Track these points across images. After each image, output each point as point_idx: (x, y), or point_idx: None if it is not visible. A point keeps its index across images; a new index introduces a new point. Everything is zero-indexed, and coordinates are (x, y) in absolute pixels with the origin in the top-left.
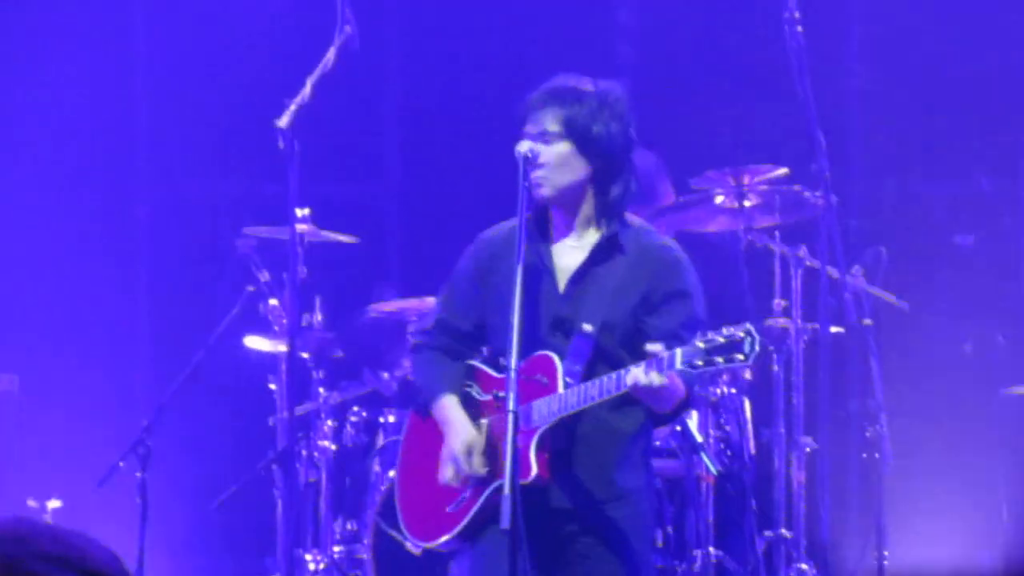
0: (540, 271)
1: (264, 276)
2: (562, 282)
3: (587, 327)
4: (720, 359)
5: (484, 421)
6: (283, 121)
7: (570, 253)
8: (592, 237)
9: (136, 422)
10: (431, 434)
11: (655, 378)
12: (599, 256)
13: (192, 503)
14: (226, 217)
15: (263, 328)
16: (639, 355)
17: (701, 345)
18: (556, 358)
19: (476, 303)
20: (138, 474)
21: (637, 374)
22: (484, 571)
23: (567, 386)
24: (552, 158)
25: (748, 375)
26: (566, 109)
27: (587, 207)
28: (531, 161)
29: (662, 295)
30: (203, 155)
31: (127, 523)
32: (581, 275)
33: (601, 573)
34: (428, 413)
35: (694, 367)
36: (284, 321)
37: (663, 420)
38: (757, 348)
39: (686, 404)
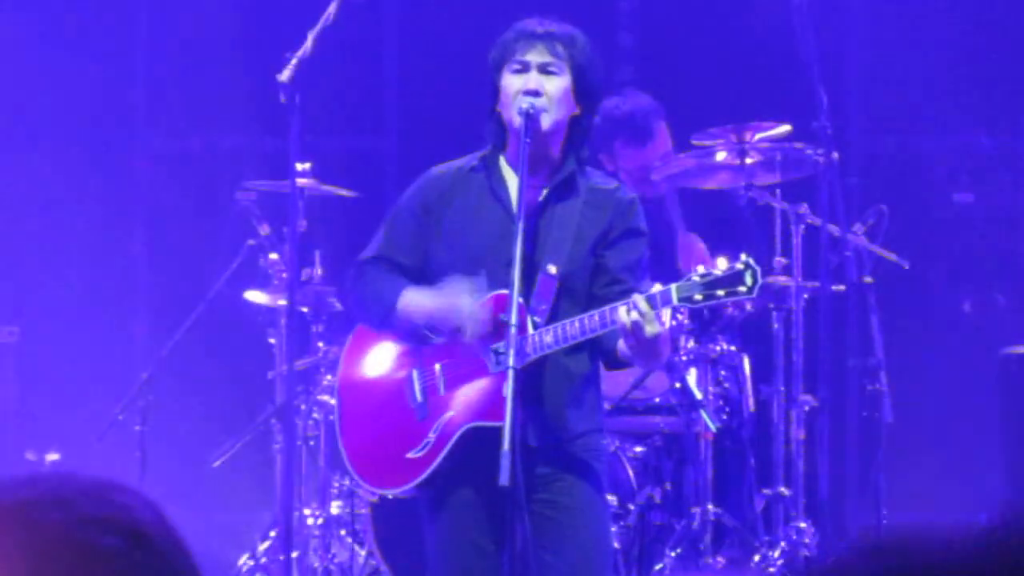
0: (496, 207)
1: (264, 230)
2: (520, 220)
3: (552, 268)
4: (721, 292)
5: (438, 365)
6: (284, 75)
7: (529, 188)
8: (550, 175)
9: (136, 375)
10: (377, 364)
11: (645, 314)
12: (558, 195)
13: (191, 457)
14: (226, 171)
15: (263, 282)
16: (601, 296)
17: (697, 279)
18: (521, 299)
19: (420, 240)
20: (137, 427)
21: (623, 314)
22: (462, 526)
23: (535, 326)
24: (556, 91)
25: (750, 307)
26: (570, 47)
27: (556, 147)
28: (533, 116)
29: (620, 232)
30: (203, 109)
31: (126, 476)
32: (541, 211)
33: (572, 514)
34: (383, 323)
35: (693, 302)
36: (284, 275)
37: (615, 364)
38: (759, 278)
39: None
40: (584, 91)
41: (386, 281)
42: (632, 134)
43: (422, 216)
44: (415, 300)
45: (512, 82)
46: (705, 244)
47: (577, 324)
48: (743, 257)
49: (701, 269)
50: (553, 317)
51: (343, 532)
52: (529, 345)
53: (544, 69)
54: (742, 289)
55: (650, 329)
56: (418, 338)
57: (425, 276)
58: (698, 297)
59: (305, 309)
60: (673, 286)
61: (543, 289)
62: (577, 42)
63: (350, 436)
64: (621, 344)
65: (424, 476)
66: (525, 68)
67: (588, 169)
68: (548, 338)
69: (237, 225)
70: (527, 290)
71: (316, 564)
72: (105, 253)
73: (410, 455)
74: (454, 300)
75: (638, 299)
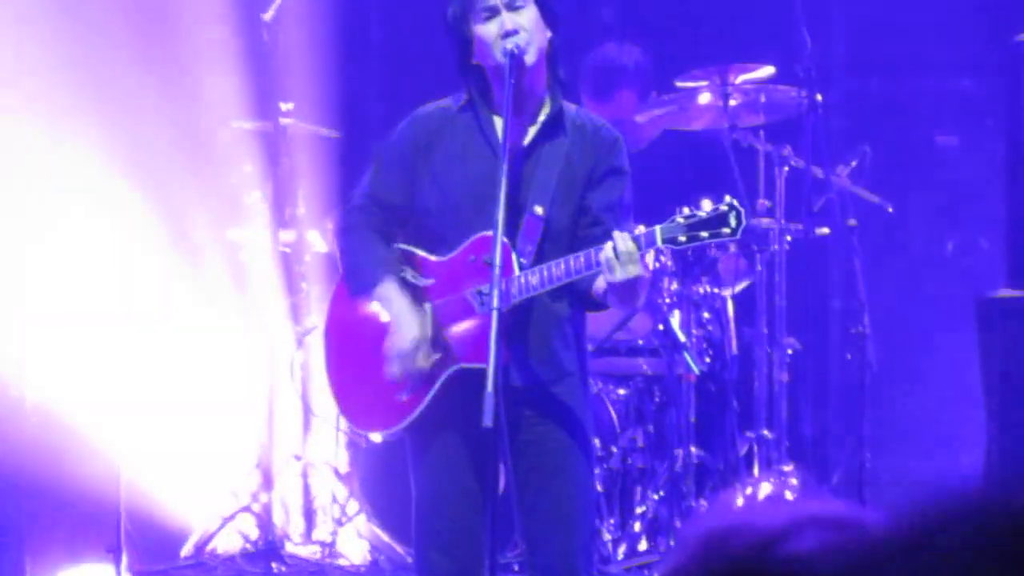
0: (485, 148)
1: (247, 169)
2: (505, 162)
3: (538, 209)
4: (705, 233)
5: (427, 306)
6: (268, 15)
7: (515, 129)
8: (535, 115)
9: (120, 316)
10: (364, 306)
11: (630, 254)
12: (546, 133)
13: (173, 397)
14: (213, 110)
15: (246, 221)
16: (583, 236)
17: (681, 220)
18: (507, 240)
19: (408, 180)
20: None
21: (609, 251)
22: (447, 467)
23: (522, 267)
24: (530, 22)
25: (733, 248)
26: None
27: (540, 82)
28: (517, 56)
29: (604, 171)
30: (186, 46)
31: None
32: (528, 153)
33: (555, 455)
34: (356, 293)
35: (677, 243)
36: (268, 214)
37: (590, 306)
38: (744, 220)
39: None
40: (548, 13)
41: (370, 253)
42: (592, 86)
43: (410, 156)
44: (382, 302)
45: (487, 29)
46: (689, 186)
47: (563, 265)
48: (727, 199)
49: (686, 210)
50: (539, 258)
51: (326, 473)
52: (515, 286)
53: (511, 6)
54: (726, 231)
55: (632, 270)
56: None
57: (414, 215)
58: (682, 238)
59: (287, 249)
60: (657, 227)
61: (529, 230)
62: None
63: (338, 378)
64: (598, 284)
65: (411, 418)
66: (494, 12)
67: (575, 107)
68: (534, 279)
69: (220, 163)
70: (513, 231)
71: (298, 505)
72: (87, 191)
73: (397, 396)
74: (401, 341)
75: (624, 238)
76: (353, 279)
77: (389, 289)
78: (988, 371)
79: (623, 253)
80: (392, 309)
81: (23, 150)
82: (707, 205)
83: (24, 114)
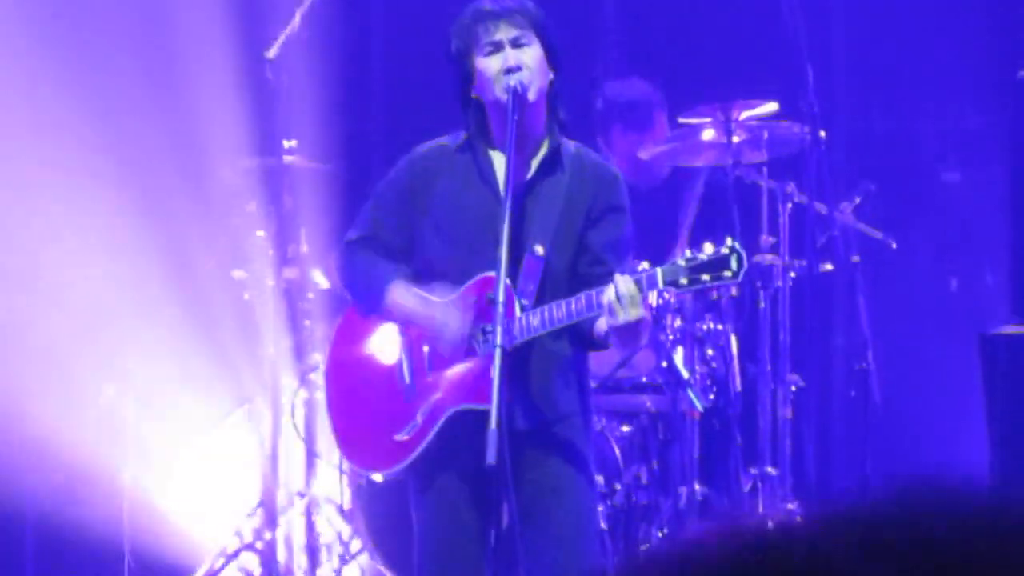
0: (482, 183)
1: (250, 207)
2: (507, 200)
3: (538, 248)
4: (706, 276)
5: (427, 347)
6: (271, 52)
7: (514, 166)
8: (534, 152)
9: (124, 354)
10: (367, 345)
11: (631, 296)
12: (545, 170)
13: (177, 435)
14: (213, 147)
15: (249, 260)
16: (584, 274)
17: (682, 263)
18: (508, 280)
19: (406, 220)
20: (125, 405)
21: (611, 294)
22: (448, 508)
23: (523, 308)
24: (533, 61)
25: (735, 292)
26: (529, 15)
27: (540, 119)
28: (519, 94)
29: (602, 208)
30: (189, 85)
31: (112, 455)
32: (527, 190)
33: (559, 494)
34: (372, 309)
35: (678, 286)
36: (270, 252)
37: (594, 346)
38: (744, 263)
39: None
40: (552, 53)
41: (375, 268)
42: (631, 121)
43: (408, 196)
44: (400, 298)
45: (490, 64)
46: (692, 220)
47: (564, 307)
48: (729, 241)
49: (688, 253)
50: (541, 298)
51: (329, 511)
52: (516, 327)
53: (516, 43)
54: (727, 274)
55: (634, 312)
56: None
57: (412, 256)
58: (683, 281)
59: (291, 287)
60: (659, 269)
61: (530, 270)
62: (532, 9)
63: (339, 417)
64: (599, 325)
65: (411, 458)
66: (498, 47)
67: (574, 143)
68: (535, 321)
69: (223, 202)
70: (514, 271)
71: (302, 543)
72: (90, 230)
73: (397, 437)
74: (433, 312)
75: (625, 280)
76: (360, 298)
77: (400, 287)
78: (992, 407)
79: (625, 296)
80: (410, 301)
81: (25, 188)
82: (708, 248)
83: (27, 151)
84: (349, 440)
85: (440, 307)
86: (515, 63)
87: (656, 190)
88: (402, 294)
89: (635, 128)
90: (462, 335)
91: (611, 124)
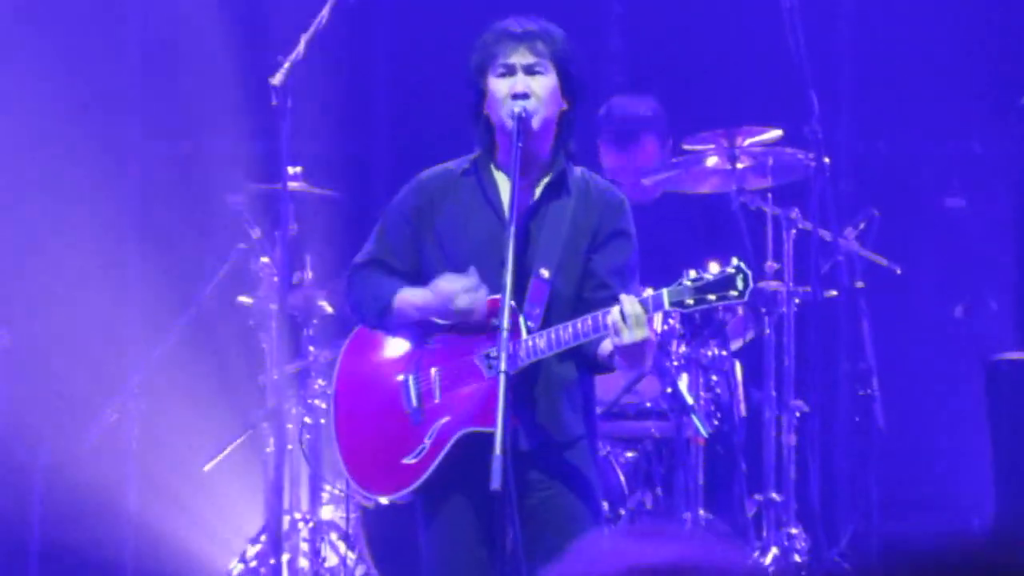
0: (488, 211)
1: (255, 233)
2: (511, 224)
3: (544, 272)
4: (712, 296)
5: (434, 370)
6: (277, 78)
7: (520, 193)
8: (540, 176)
9: (127, 379)
10: (374, 369)
11: (637, 318)
12: (550, 194)
13: (182, 461)
14: (218, 174)
15: (254, 286)
16: (589, 299)
17: (688, 283)
18: (514, 303)
19: (412, 244)
20: (129, 431)
21: (616, 315)
22: (456, 531)
23: (529, 331)
24: (544, 90)
25: (741, 312)
26: (551, 44)
27: (546, 146)
28: (523, 120)
29: (608, 233)
30: (195, 111)
31: (117, 480)
32: (532, 213)
33: (564, 518)
34: (381, 323)
35: (684, 306)
36: (275, 278)
37: (599, 368)
38: (751, 282)
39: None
40: (569, 86)
41: (383, 280)
42: (616, 136)
43: (414, 220)
44: (410, 295)
45: (500, 86)
46: (696, 248)
47: (570, 329)
48: (734, 261)
49: (692, 273)
50: (547, 321)
51: (334, 536)
52: (523, 350)
53: (530, 70)
54: (733, 293)
55: (640, 333)
56: (416, 334)
57: (419, 280)
58: (689, 301)
59: (296, 313)
60: (665, 290)
61: (536, 293)
62: (557, 38)
63: (346, 440)
64: (604, 347)
65: (419, 482)
66: (511, 71)
67: (580, 168)
68: (541, 343)
69: (228, 229)
70: (520, 294)
71: (306, 568)
72: (96, 256)
73: (405, 460)
74: (445, 286)
75: (631, 301)
76: (369, 310)
77: (406, 289)
78: (997, 433)
79: (630, 316)
80: (417, 294)
81: (31, 216)
82: (714, 268)
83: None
84: (357, 464)
85: (445, 278)
86: (523, 89)
87: (646, 207)
88: (408, 291)
89: (618, 145)
90: (477, 292)
91: (600, 136)
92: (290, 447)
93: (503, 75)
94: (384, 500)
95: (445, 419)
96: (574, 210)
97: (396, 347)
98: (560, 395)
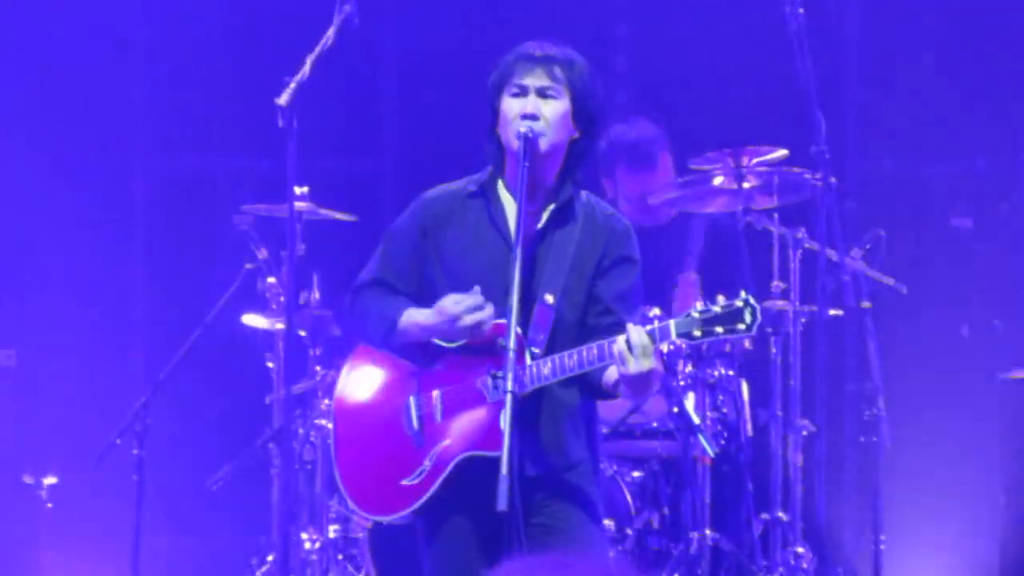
0: (495, 234)
1: (262, 254)
2: (518, 246)
3: (549, 297)
4: (720, 328)
5: (436, 393)
6: (283, 99)
7: (526, 217)
8: (546, 203)
9: (133, 399)
10: (374, 390)
11: (643, 348)
12: (557, 220)
13: (188, 481)
14: (224, 194)
15: (261, 306)
16: (593, 325)
17: (696, 315)
18: (519, 329)
19: (416, 265)
20: (135, 451)
21: (623, 344)
22: (457, 554)
23: (533, 356)
24: (554, 114)
25: (748, 344)
26: (569, 71)
27: (553, 172)
28: (531, 139)
29: (613, 259)
30: (201, 131)
31: (123, 500)
32: (539, 238)
33: (567, 540)
34: (385, 341)
35: (691, 338)
36: (282, 299)
37: (603, 395)
38: (759, 316)
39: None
40: (582, 114)
41: (388, 300)
42: (635, 160)
43: (419, 241)
44: (415, 314)
45: (511, 105)
46: (702, 267)
47: (575, 356)
48: (742, 294)
49: (700, 306)
50: (551, 347)
51: (340, 556)
52: (527, 376)
53: (542, 93)
54: (741, 326)
55: (646, 363)
56: (418, 355)
57: (422, 301)
58: (697, 333)
59: (303, 333)
60: (672, 322)
61: (540, 319)
62: (576, 66)
63: (345, 461)
64: (609, 375)
65: (418, 504)
66: (523, 92)
67: (585, 193)
68: (546, 370)
69: (235, 249)
70: (524, 320)
71: None
72: (103, 277)
73: (405, 482)
74: (450, 306)
75: (638, 331)
76: (374, 329)
77: (412, 309)
78: (1005, 453)
79: (637, 346)
80: (423, 314)
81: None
82: (722, 300)
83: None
84: (355, 484)
85: (450, 297)
86: (532, 111)
87: (661, 229)
88: (413, 311)
89: (640, 168)
90: (483, 311)
91: (616, 165)
92: (298, 466)
93: (516, 95)
94: (382, 521)
95: (446, 442)
96: (580, 236)
97: (397, 368)
98: (564, 420)
